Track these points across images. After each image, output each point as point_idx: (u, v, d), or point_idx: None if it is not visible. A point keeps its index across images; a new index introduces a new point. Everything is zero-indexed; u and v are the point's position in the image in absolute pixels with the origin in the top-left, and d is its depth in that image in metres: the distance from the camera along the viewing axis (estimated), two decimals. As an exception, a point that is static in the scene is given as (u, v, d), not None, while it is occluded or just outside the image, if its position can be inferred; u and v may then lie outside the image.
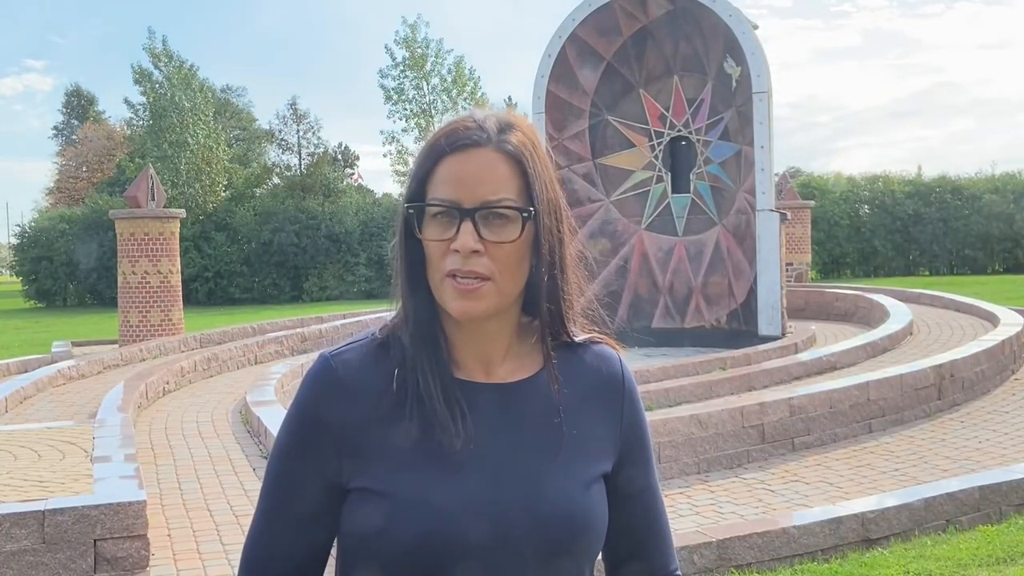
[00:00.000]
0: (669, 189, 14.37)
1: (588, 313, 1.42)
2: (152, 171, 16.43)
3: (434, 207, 1.26)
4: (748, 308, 13.23)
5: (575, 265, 1.37)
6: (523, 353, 1.36)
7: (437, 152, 1.28)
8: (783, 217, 13.23)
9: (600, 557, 1.45)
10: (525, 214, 1.26)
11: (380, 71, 40.37)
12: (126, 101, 50.02)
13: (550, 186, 1.31)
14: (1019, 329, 11.17)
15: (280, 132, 47.05)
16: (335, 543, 1.36)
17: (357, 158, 45.91)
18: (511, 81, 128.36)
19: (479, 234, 1.24)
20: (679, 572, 1.45)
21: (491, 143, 1.27)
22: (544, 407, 1.33)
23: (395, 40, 37.92)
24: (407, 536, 1.23)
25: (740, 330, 13.30)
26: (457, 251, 1.24)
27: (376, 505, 1.26)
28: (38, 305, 33.75)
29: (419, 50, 37.76)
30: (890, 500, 5.57)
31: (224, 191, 35.91)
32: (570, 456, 1.31)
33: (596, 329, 1.43)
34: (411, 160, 1.39)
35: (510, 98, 39.48)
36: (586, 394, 1.36)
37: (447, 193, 1.26)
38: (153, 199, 15.79)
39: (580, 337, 1.39)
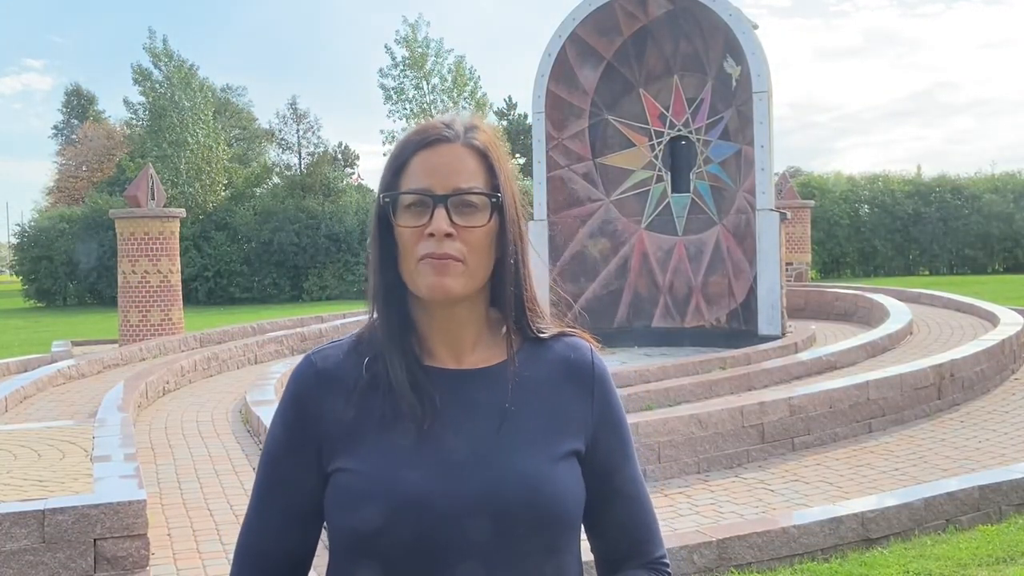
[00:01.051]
0: (669, 188, 14.37)
1: (568, 314, 1.51)
2: (152, 170, 16.41)
3: (409, 196, 1.35)
4: (748, 308, 13.23)
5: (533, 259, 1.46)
6: (493, 344, 1.43)
7: (410, 148, 1.38)
8: (783, 216, 13.23)
9: (590, 550, 1.49)
10: (493, 199, 1.36)
11: (380, 71, 40.38)
12: (125, 101, 49.96)
13: (512, 182, 1.40)
14: (1019, 329, 11.17)
15: (280, 131, 47.10)
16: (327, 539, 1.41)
17: (357, 157, 45.91)
18: (511, 81, 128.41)
19: (451, 219, 1.33)
20: (665, 558, 1.48)
21: (459, 139, 1.37)
22: (515, 389, 1.39)
23: (396, 39, 37.94)
24: (403, 530, 1.29)
25: (740, 330, 13.30)
26: (431, 235, 1.32)
27: (350, 483, 1.33)
28: (38, 305, 33.76)
29: (419, 50, 37.74)
30: (890, 500, 5.57)
31: (224, 190, 35.92)
32: (540, 434, 1.37)
33: (570, 325, 1.49)
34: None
35: (510, 98, 39.55)
36: (554, 377, 1.42)
37: (420, 183, 1.35)
38: (153, 198, 15.78)
39: (550, 332, 1.46)
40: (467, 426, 1.35)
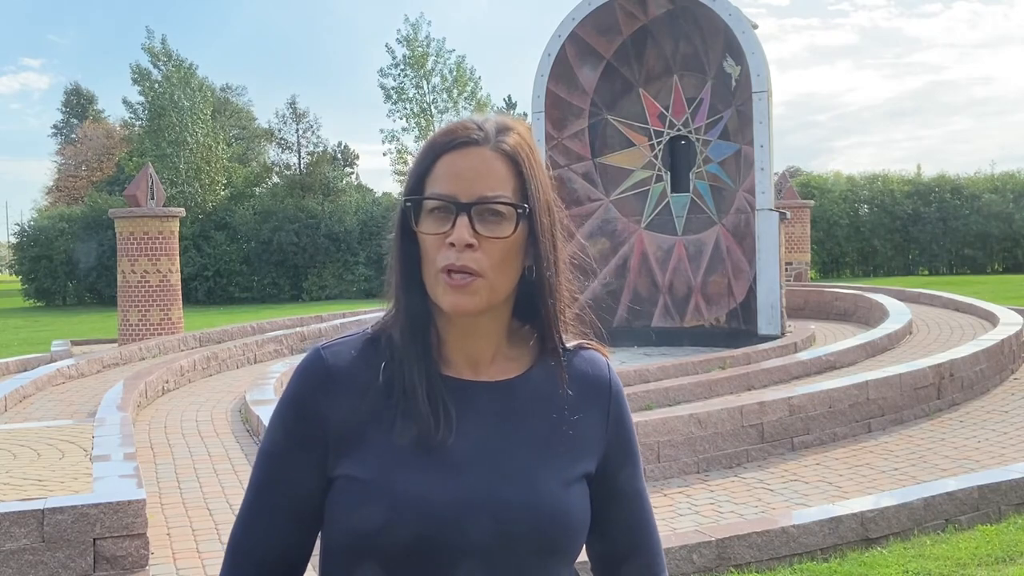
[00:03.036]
0: (669, 188, 14.37)
1: (581, 318, 1.44)
2: (151, 170, 16.40)
3: (431, 201, 1.29)
4: (747, 307, 13.23)
5: (567, 269, 1.39)
6: (512, 356, 1.38)
7: (436, 150, 1.31)
8: (783, 216, 13.23)
9: (590, 566, 1.46)
10: (520, 210, 1.28)
11: (380, 70, 40.31)
12: (124, 100, 49.95)
13: (545, 187, 1.33)
14: (1018, 329, 11.17)
15: (279, 131, 46.95)
16: (321, 541, 1.37)
17: (357, 157, 45.83)
18: (511, 81, 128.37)
19: (474, 229, 1.26)
20: None
21: (489, 143, 1.30)
22: (532, 405, 1.35)
23: (397, 38, 37.93)
24: (404, 532, 1.25)
25: (739, 329, 13.30)
26: (452, 245, 1.26)
27: (359, 495, 1.27)
28: (37, 304, 33.75)
29: (420, 49, 37.74)
30: (889, 499, 5.57)
31: (223, 190, 35.91)
32: (554, 454, 1.33)
33: (587, 333, 1.44)
34: (411, 160, 1.42)
35: (510, 97, 39.51)
36: (573, 393, 1.37)
37: (445, 188, 1.28)
38: (152, 198, 15.77)
39: (570, 344, 1.41)
40: (479, 438, 1.30)
